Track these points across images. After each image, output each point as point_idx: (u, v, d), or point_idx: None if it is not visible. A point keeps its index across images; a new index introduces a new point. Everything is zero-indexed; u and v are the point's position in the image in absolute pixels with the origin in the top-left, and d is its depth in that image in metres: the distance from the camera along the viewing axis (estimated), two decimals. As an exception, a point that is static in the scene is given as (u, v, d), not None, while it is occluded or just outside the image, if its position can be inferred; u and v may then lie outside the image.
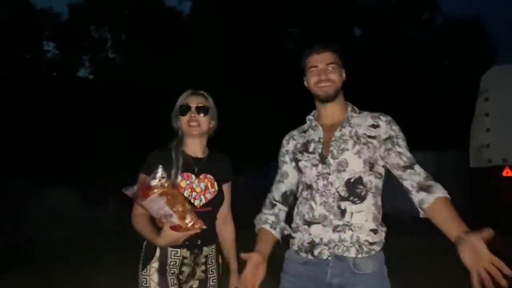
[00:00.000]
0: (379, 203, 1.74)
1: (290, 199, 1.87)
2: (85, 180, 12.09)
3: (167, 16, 20.61)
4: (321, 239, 1.64)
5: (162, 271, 1.74)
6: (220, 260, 1.90)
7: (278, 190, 1.86)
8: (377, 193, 1.73)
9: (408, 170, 1.70)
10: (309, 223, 1.68)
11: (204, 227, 1.64)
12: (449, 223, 1.54)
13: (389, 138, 1.72)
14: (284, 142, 1.89)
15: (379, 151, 1.73)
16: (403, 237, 5.72)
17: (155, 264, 1.75)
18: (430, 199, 1.62)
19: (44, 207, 8.30)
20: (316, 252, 1.64)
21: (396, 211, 7.24)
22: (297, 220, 1.76)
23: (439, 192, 1.63)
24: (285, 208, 1.85)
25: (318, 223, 1.65)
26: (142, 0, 20.79)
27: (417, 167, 1.72)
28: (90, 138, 16.11)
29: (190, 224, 1.61)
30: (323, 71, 1.73)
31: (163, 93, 17.57)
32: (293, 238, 1.76)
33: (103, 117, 17.09)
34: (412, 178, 1.69)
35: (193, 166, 1.82)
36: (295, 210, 1.80)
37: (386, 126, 1.73)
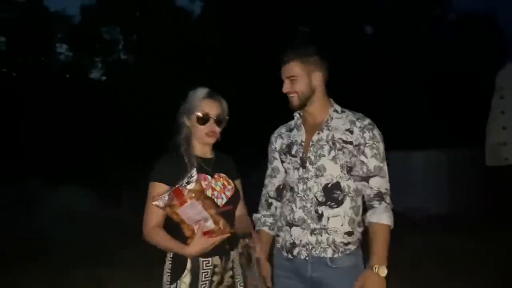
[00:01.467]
0: (359, 203, 1.79)
1: (283, 192, 1.92)
2: (98, 180, 12.23)
3: (178, 16, 20.70)
4: (300, 240, 1.75)
5: (194, 287, 1.66)
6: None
7: (272, 184, 1.94)
8: (356, 195, 1.77)
9: (363, 182, 1.75)
10: (290, 225, 1.79)
11: (232, 231, 1.62)
12: (371, 251, 1.71)
13: (358, 145, 1.74)
14: (272, 139, 1.96)
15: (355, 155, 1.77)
16: (415, 237, 5.66)
17: (186, 279, 1.65)
18: (369, 219, 1.75)
19: (58, 206, 8.42)
20: (295, 252, 1.76)
21: (409, 211, 7.18)
22: (281, 220, 1.86)
23: (374, 218, 1.73)
24: (279, 204, 1.94)
25: (297, 225, 1.77)
26: (153, 1, 20.91)
27: (373, 181, 1.74)
28: (103, 138, 16.30)
29: (222, 228, 1.57)
30: (286, 85, 1.79)
31: (175, 93, 17.70)
32: (278, 236, 1.87)
33: (116, 117, 17.27)
34: (365, 191, 1.77)
35: (206, 167, 1.77)
36: (280, 210, 1.89)
37: (358, 133, 1.74)
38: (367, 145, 1.73)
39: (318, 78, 1.80)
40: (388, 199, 1.74)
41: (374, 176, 1.73)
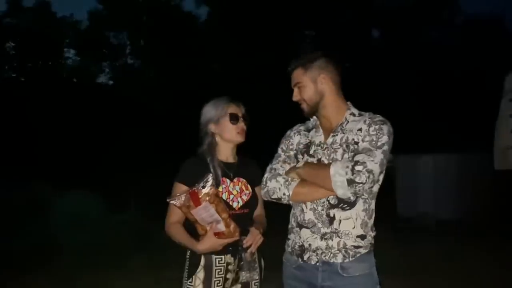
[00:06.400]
0: (372, 206, 1.71)
1: None
2: (106, 184, 12.27)
3: (185, 20, 20.83)
4: (309, 244, 1.70)
5: (207, 282, 1.76)
6: (262, 263, 1.89)
7: (283, 170, 1.75)
8: (370, 197, 1.69)
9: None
10: (300, 226, 1.74)
11: (242, 237, 1.71)
12: None
13: (363, 139, 1.67)
14: (292, 134, 1.88)
15: None
16: (424, 242, 5.62)
17: (200, 274, 1.77)
18: None
19: (65, 211, 8.44)
20: (305, 257, 1.71)
21: (419, 216, 7.10)
22: (292, 221, 1.81)
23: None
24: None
25: (307, 227, 1.72)
26: (160, 6, 21.07)
27: (357, 156, 1.60)
28: (110, 142, 16.40)
29: (232, 232, 1.68)
30: (294, 93, 1.79)
31: (183, 97, 17.81)
32: (288, 239, 1.81)
33: (123, 122, 17.38)
34: None
35: (227, 171, 1.86)
36: (292, 211, 1.83)
37: (365, 129, 1.67)
38: (370, 135, 1.65)
39: (324, 81, 1.75)
40: (361, 169, 1.55)
41: (360, 153, 1.61)
